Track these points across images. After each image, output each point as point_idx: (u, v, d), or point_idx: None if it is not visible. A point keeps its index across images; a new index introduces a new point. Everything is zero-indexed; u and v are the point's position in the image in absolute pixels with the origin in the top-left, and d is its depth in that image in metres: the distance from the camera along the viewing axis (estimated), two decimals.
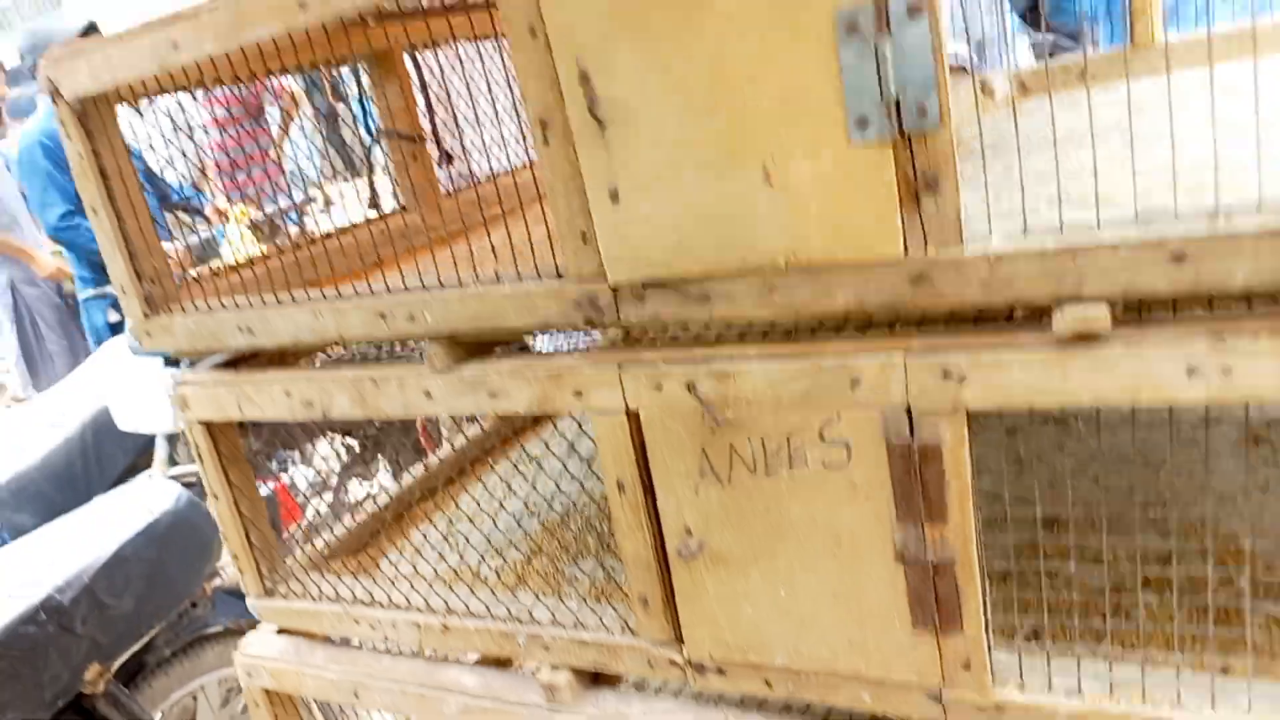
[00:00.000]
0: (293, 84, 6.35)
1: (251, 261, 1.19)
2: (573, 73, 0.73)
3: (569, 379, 0.88)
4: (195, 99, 5.10)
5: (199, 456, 1.13)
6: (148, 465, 2.88)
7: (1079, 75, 1.38)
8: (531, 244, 0.85)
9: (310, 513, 2.74)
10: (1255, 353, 0.62)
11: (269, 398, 1.04)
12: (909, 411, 0.74)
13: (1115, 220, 0.64)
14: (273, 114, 5.08)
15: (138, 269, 1.04)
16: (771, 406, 0.80)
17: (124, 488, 2.33)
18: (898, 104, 0.64)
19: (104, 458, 2.84)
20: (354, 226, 1.34)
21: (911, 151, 0.65)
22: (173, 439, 2.80)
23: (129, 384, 2.70)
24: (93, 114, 0.99)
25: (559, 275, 0.84)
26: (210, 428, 1.12)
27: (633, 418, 0.86)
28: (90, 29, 3.49)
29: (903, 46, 0.62)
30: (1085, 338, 0.67)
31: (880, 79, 0.63)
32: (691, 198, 0.74)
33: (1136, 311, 0.69)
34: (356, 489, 3.02)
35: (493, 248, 0.95)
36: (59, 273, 4.27)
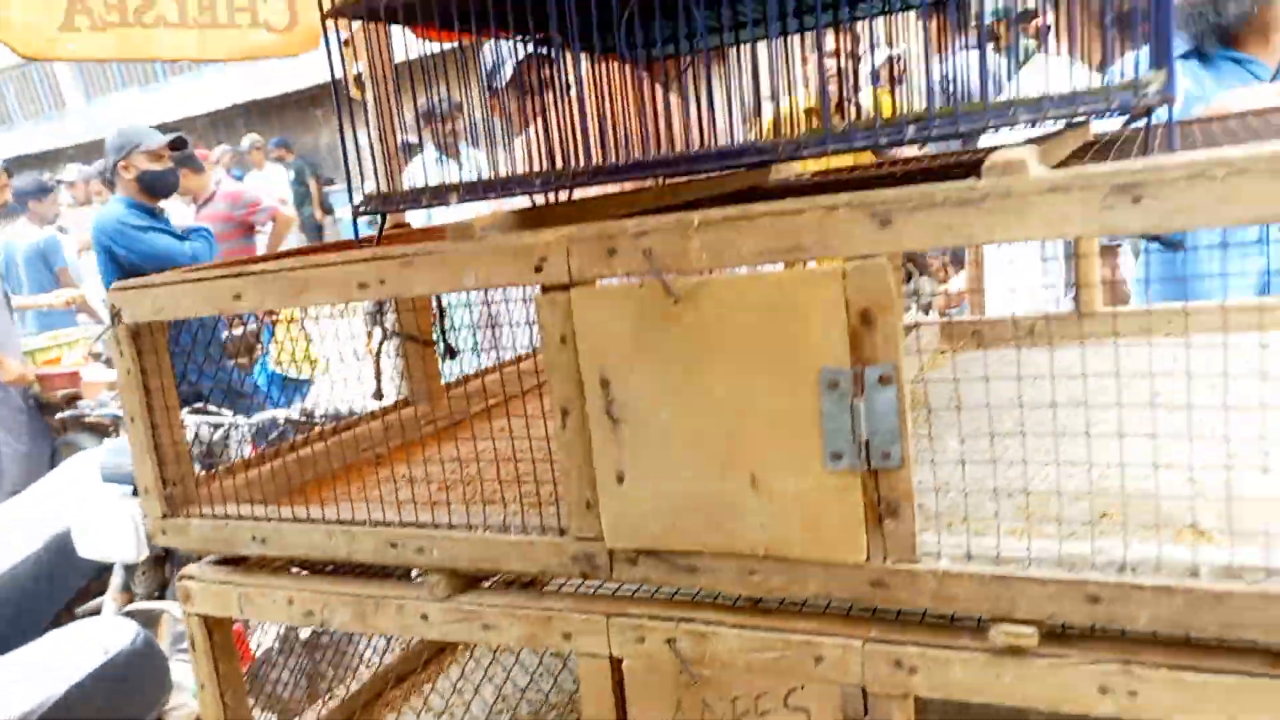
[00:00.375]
0: (284, 207, 6.55)
1: (263, 457, 1.27)
2: (595, 377, 0.85)
3: (558, 623, 0.97)
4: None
5: (193, 648, 1.18)
6: (102, 590, 2.85)
7: (1028, 332, 1.55)
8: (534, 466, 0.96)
9: (257, 646, 2.71)
10: (1157, 680, 0.74)
11: (270, 602, 1.11)
12: (864, 691, 0.84)
13: (1043, 558, 0.76)
14: (262, 237, 5.23)
15: (164, 474, 1.12)
16: (743, 669, 0.89)
17: (79, 624, 2.31)
18: (867, 446, 0.77)
19: (58, 581, 2.81)
20: (360, 419, 1.44)
21: (877, 484, 0.78)
22: (130, 568, 2.79)
23: (93, 510, 2.71)
24: (145, 336, 1.09)
25: (562, 532, 0.94)
26: (206, 620, 1.18)
27: (615, 663, 0.95)
28: (179, 143, 3.83)
29: (874, 406, 0.75)
30: (1016, 650, 0.78)
31: (854, 426, 0.76)
32: (688, 489, 0.85)
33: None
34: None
35: (497, 464, 1.05)
36: (22, 379, 4.29)
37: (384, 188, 0.97)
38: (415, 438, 1.46)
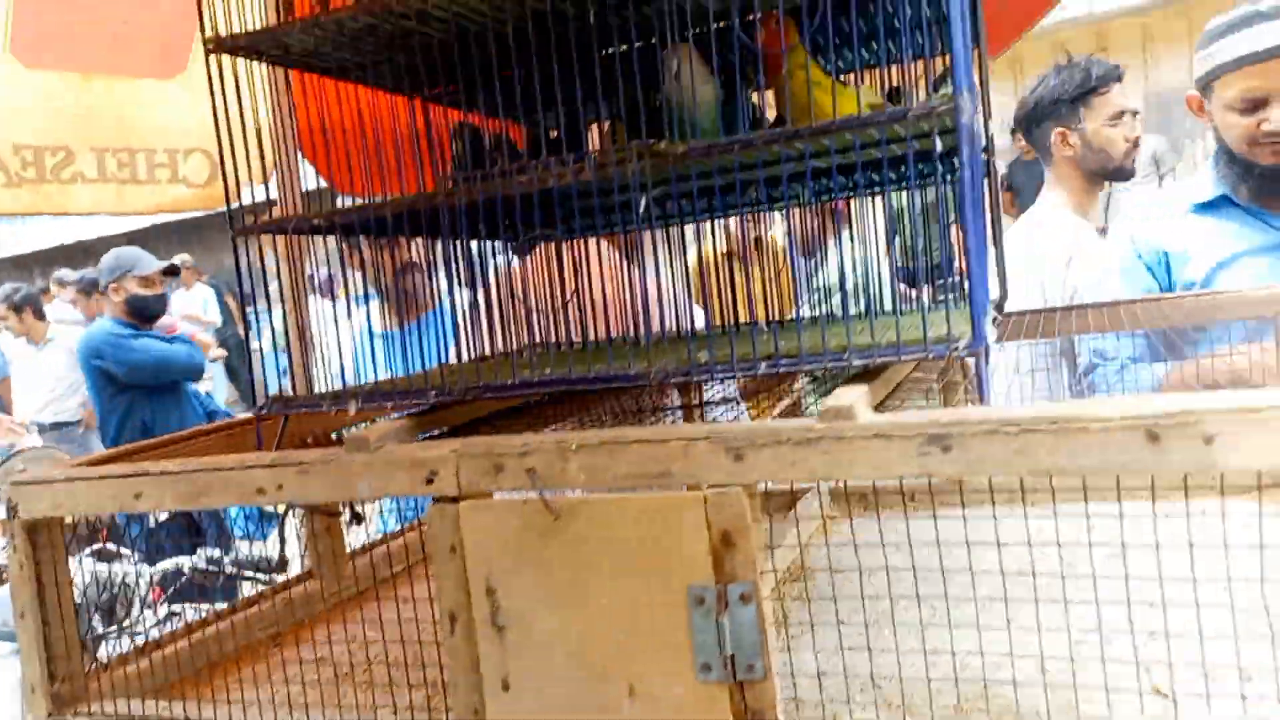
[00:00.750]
0: (203, 332, 6.49)
1: (159, 643, 1.26)
2: (481, 586, 0.90)
3: None
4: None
5: None
6: None
7: (911, 496, 1.65)
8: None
9: None
10: None
11: None
12: None
13: None
14: None
15: (52, 671, 1.11)
16: None
17: None
18: (733, 659, 0.82)
19: None
20: (260, 596, 1.44)
21: (743, 694, 0.83)
22: None
23: None
24: (43, 531, 1.10)
25: None
26: None
27: None
28: (172, 270, 4.02)
29: (736, 622, 0.81)
30: None
31: (720, 640, 0.82)
32: (570, 697, 0.89)
33: None
34: None
35: (388, 666, 1.07)
36: None
37: (289, 390, 1.02)
38: (313, 615, 1.46)
